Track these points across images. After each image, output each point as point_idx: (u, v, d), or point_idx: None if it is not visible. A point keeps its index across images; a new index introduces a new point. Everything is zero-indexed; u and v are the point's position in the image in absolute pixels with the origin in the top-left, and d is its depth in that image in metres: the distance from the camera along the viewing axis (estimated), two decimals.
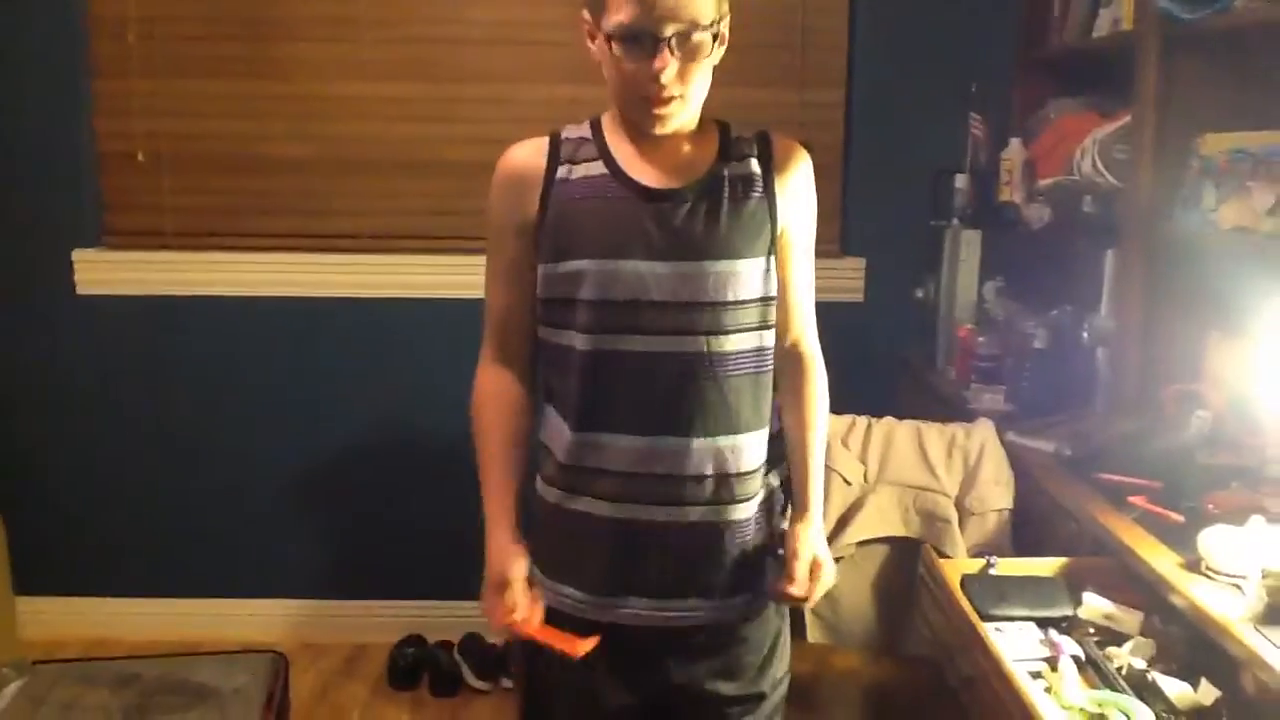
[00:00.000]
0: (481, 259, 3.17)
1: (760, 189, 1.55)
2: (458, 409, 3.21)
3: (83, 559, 3.32)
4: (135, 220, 3.17)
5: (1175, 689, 1.60)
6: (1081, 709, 1.59)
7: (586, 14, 1.48)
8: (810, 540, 1.59)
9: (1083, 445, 2.22)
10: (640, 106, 1.48)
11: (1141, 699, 1.59)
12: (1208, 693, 1.58)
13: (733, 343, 1.52)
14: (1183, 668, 1.67)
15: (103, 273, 3.14)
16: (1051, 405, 2.49)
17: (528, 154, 1.56)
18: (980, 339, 2.68)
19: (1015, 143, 2.83)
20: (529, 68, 3.09)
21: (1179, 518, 1.85)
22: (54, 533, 3.28)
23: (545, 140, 1.57)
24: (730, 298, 1.51)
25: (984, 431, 2.40)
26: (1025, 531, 2.27)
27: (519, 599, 1.57)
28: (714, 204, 1.52)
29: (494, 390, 1.67)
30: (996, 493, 2.30)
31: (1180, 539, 1.78)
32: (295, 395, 3.22)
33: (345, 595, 3.35)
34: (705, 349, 1.51)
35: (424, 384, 3.20)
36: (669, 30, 1.40)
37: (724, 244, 1.51)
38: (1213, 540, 1.68)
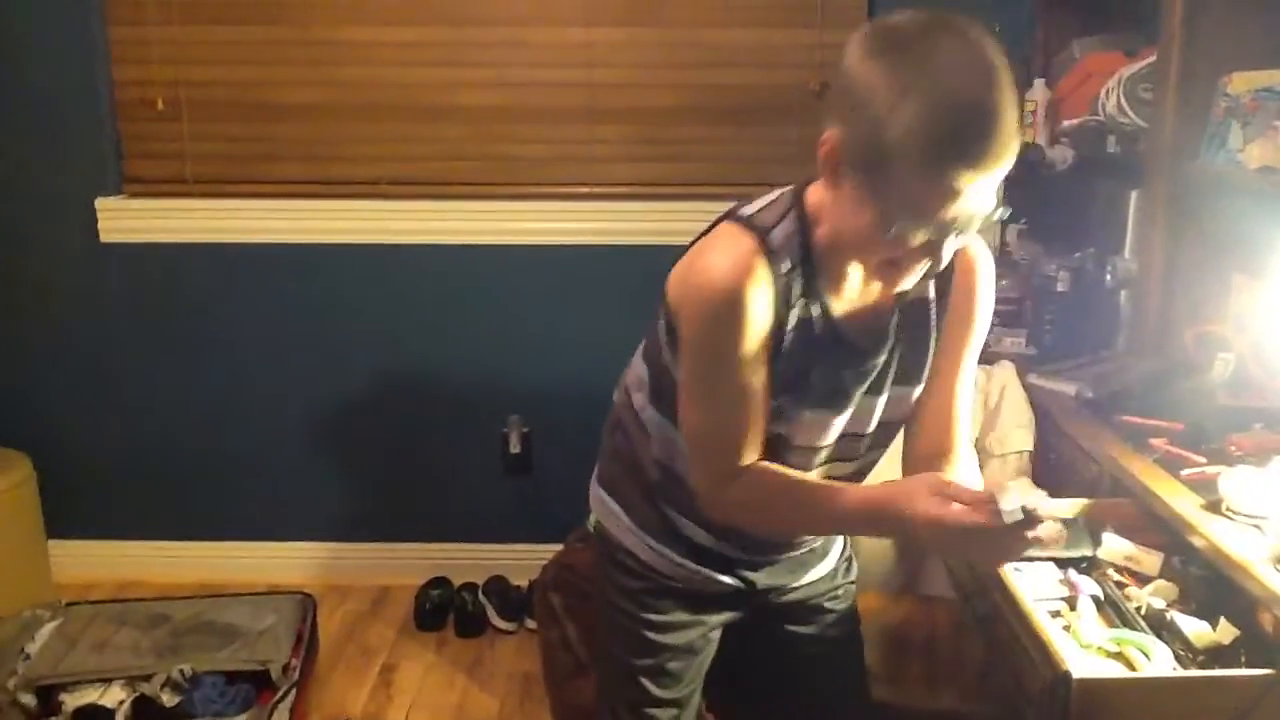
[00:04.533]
0: (510, 204, 3.19)
1: (932, 318, 1.46)
2: (479, 352, 3.26)
3: (112, 503, 3.37)
4: (156, 168, 3.17)
5: (1194, 628, 1.61)
6: (1100, 647, 1.60)
7: (841, 144, 1.23)
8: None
9: (1104, 387, 2.22)
10: (880, 270, 1.31)
11: (1160, 638, 1.60)
12: (1226, 631, 1.59)
13: (877, 455, 1.55)
14: (1202, 607, 1.68)
15: (126, 221, 3.15)
16: (1073, 348, 2.49)
17: (760, 294, 1.33)
18: (1002, 282, 2.66)
19: (1039, 83, 2.79)
20: (542, 10, 3.07)
21: (1201, 459, 1.85)
22: (83, 477, 3.33)
23: (769, 275, 1.33)
24: (886, 420, 1.49)
25: (1005, 374, 2.39)
26: (1046, 473, 2.27)
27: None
28: (895, 347, 1.44)
29: (761, 475, 1.44)
30: (1017, 435, 2.30)
31: (1201, 480, 1.78)
32: (319, 340, 3.24)
33: (372, 538, 3.39)
34: (854, 471, 1.54)
35: (446, 328, 3.22)
36: (958, 236, 1.24)
37: (892, 384, 1.46)
38: (1234, 482, 1.69)
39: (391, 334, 3.25)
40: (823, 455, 1.48)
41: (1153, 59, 2.35)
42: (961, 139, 1.15)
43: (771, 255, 1.33)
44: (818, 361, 1.39)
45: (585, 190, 3.17)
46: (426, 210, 3.15)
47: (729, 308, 1.32)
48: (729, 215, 1.40)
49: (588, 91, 3.10)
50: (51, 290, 3.22)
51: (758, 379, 1.37)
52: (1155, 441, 1.95)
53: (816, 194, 1.35)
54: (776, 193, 1.41)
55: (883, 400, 1.46)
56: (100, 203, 3.13)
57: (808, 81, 3.07)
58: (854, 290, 1.39)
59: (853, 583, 1.78)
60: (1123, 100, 2.43)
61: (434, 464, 3.33)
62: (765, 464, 1.43)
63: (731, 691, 1.81)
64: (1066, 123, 2.68)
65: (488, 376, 3.26)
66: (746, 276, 1.31)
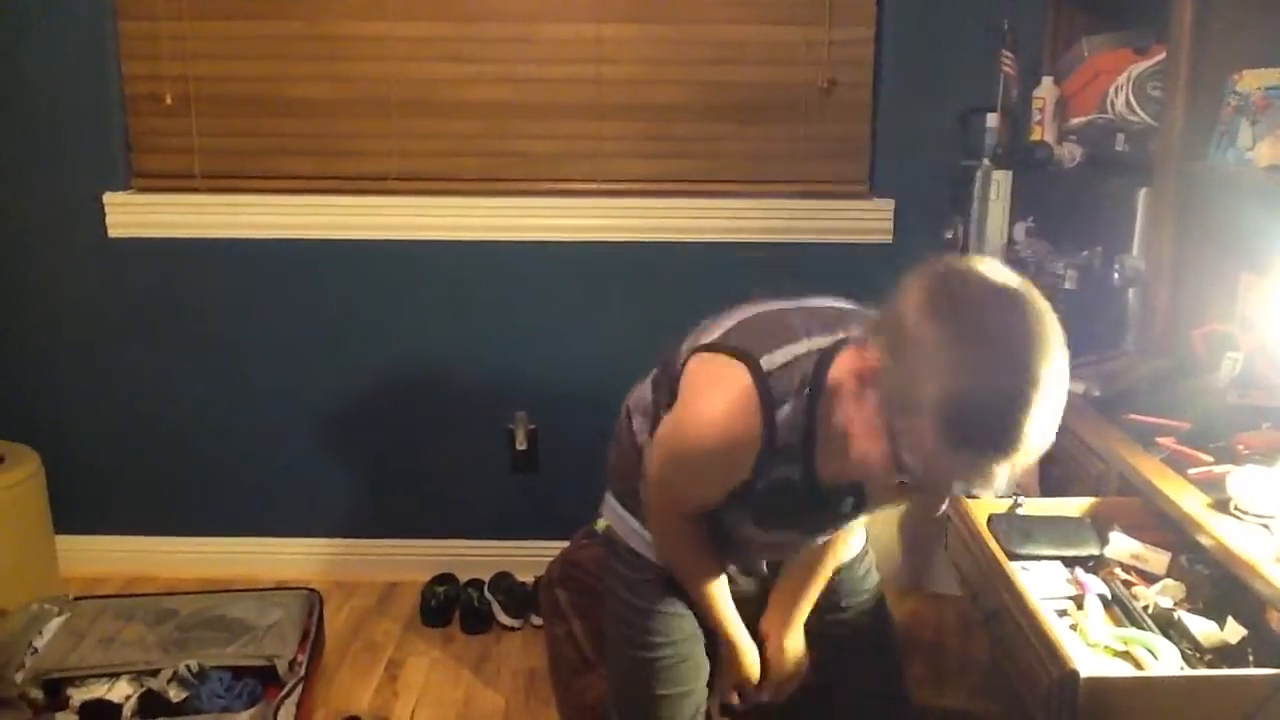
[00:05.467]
0: (518, 200, 3.17)
1: None
2: (486, 348, 3.26)
3: (119, 498, 3.38)
4: (164, 163, 3.17)
5: (1201, 627, 1.61)
6: (1107, 646, 1.60)
7: (879, 372, 1.22)
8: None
9: (1112, 386, 2.22)
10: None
11: (1168, 637, 1.60)
12: (1234, 631, 1.59)
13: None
14: (1209, 607, 1.67)
15: (133, 215, 3.15)
16: (1081, 346, 2.46)
17: (744, 460, 1.41)
18: None
19: (1047, 81, 2.79)
20: (551, 6, 3.07)
21: (1208, 458, 1.85)
22: (91, 473, 3.33)
23: (760, 449, 1.39)
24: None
25: None
26: (1053, 471, 2.27)
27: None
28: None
29: (683, 532, 1.64)
30: None
31: (1209, 479, 1.77)
32: (325, 336, 3.24)
33: (378, 534, 3.39)
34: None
35: (453, 323, 3.22)
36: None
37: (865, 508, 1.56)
38: (1242, 480, 1.68)
39: (398, 329, 3.25)
40: (776, 552, 1.68)
41: (1162, 57, 2.34)
42: (988, 432, 1.14)
43: (770, 432, 1.37)
44: (789, 504, 1.46)
45: (593, 186, 3.17)
46: (434, 206, 3.15)
47: (711, 458, 1.41)
48: (751, 359, 1.37)
49: (596, 87, 3.10)
50: (59, 285, 3.22)
51: (713, 496, 1.50)
52: (1163, 440, 1.94)
53: (842, 370, 1.32)
54: (804, 347, 1.38)
55: (854, 521, 1.58)
56: (108, 198, 3.13)
57: (816, 78, 3.07)
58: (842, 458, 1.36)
59: (868, 590, 1.79)
60: (1132, 98, 2.42)
61: (440, 460, 3.33)
62: (693, 529, 1.59)
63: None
64: (1075, 120, 2.68)
65: (494, 372, 3.26)
66: (737, 446, 1.39)
